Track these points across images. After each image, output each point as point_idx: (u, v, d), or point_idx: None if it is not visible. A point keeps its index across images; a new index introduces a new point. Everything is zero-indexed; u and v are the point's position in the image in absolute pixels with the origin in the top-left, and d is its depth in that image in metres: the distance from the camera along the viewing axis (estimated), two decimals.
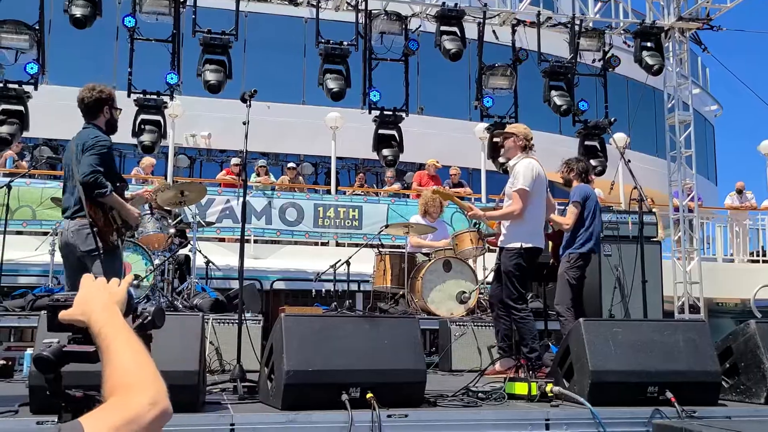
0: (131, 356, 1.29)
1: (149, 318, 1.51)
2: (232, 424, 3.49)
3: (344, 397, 3.60)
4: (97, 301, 1.42)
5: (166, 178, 12.24)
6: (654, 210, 8.10)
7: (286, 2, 10.32)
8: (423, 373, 3.91)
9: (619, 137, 13.35)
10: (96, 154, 4.73)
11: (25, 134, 9.31)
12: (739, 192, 14.72)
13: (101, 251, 4.73)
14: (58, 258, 8.03)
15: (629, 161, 6.53)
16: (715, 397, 4.19)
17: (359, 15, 9.93)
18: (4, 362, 5.93)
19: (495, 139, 6.19)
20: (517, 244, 5.75)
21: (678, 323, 4.84)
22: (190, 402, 3.56)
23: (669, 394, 3.95)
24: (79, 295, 1.45)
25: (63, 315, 1.43)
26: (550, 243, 6.90)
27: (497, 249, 6.08)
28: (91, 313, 1.39)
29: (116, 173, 5.07)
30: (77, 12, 8.63)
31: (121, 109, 5.24)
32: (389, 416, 3.59)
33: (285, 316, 3.82)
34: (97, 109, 4.99)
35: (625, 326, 4.35)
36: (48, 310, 1.47)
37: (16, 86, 8.71)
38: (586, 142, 10.47)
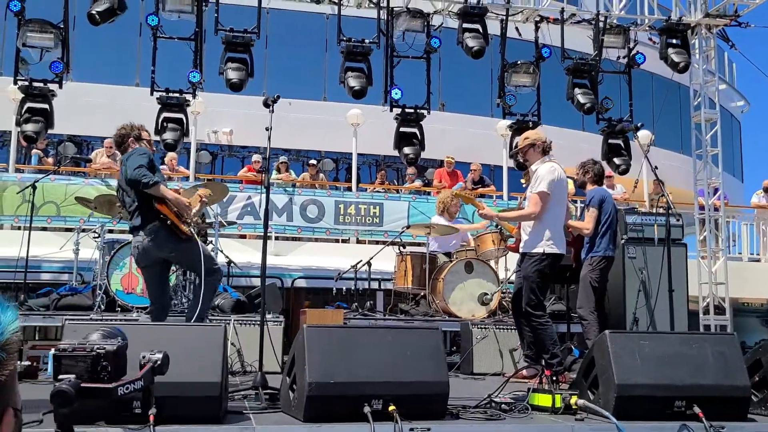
0: None
1: (159, 363, 1.48)
2: None
3: (366, 409, 3.58)
4: None
5: (188, 178, 12.29)
6: (680, 213, 7.98)
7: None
8: (446, 384, 3.87)
9: (644, 135, 13.17)
10: (137, 156, 5.15)
11: (49, 131, 9.38)
12: (766, 190, 14.46)
13: (178, 245, 5.11)
14: (83, 255, 8.16)
15: (656, 168, 6.41)
16: (745, 412, 4.11)
17: (381, 12, 9.87)
18: (29, 363, 6.00)
19: (517, 157, 6.10)
20: (540, 250, 5.68)
21: (707, 336, 4.75)
22: (213, 413, 3.56)
23: (697, 409, 3.88)
24: None
25: None
26: (572, 249, 6.83)
27: (519, 256, 6.01)
28: None
29: (161, 176, 5.36)
30: (93, 9, 8.71)
31: (150, 141, 5.69)
32: (411, 429, 3.56)
33: (307, 327, 3.80)
34: (121, 143, 5.48)
35: (652, 339, 4.28)
36: (54, 360, 1.43)
37: (41, 85, 8.78)
38: (610, 140, 10.34)
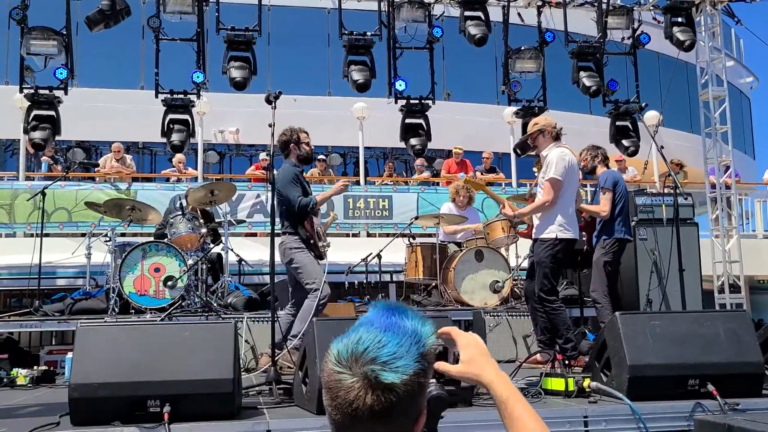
0: (534, 423, 1.43)
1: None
2: (269, 431, 3.51)
3: None
4: (488, 365, 1.48)
5: (196, 179, 12.34)
6: (689, 192, 7.93)
7: None
8: None
9: (652, 115, 13.09)
10: (291, 186, 5.70)
11: (56, 137, 9.43)
12: None
13: (294, 262, 5.71)
14: (95, 260, 8.23)
15: (662, 147, 6.36)
16: (759, 388, 4.08)
17: (382, 4, 9.84)
18: (47, 367, 6.06)
19: (527, 142, 6.06)
20: (553, 235, 5.66)
21: (718, 314, 4.72)
22: (227, 409, 3.59)
23: (710, 387, 3.87)
24: (469, 354, 1.48)
25: (451, 371, 1.46)
26: (584, 233, 6.80)
27: (532, 241, 6.00)
28: (487, 377, 1.47)
29: (306, 185, 5.96)
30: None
31: (309, 143, 6.05)
32: None
33: (316, 320, 3.81)
34: (284, 149, 5.94)
35: (663, 318, 4.26)
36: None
37: (46, 92, 8.82)
38: (618, 122, 10.27)
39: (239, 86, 9.16)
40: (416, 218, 8.84)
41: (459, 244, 8.60)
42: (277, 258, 5.46)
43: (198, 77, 9.12)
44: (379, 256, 8.17)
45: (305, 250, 5.75)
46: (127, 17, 9.10)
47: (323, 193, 6.04)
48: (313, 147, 6.18)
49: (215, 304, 7.21)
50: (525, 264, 7.60)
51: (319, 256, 5.83)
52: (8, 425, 3.64)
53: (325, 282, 5.65)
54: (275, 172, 5.64)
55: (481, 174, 12.96)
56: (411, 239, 8.63)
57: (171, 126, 9.11)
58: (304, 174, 6.16)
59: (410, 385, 1.24)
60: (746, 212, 14.36)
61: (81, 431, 3.38)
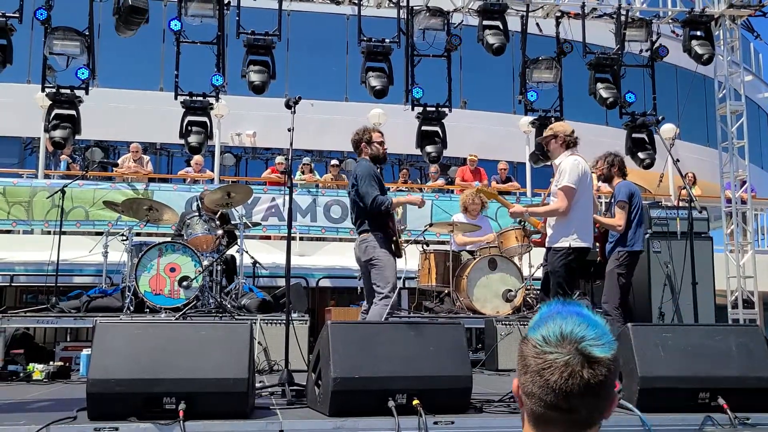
0: None
1: None
2: (281, 431, 3.56)
3: (390, 403, 3.63)
4: None
5: (213, 181, 12.44)
6: (705, 206, 7.90)
7: (328, 0, 10.35)
8: (469, 379, 3.91)
9: (668, 128, 13.06)
10: (366, 182, 5.66)
11: (76, 136, 9.55)
12: None
13: (376, 260, 5.59)
14: (112, 258, 8.32)
15: (677, 160, 6.36)
16: None
17: (401, 11, 9.91)
18: (62, 363, 6.15)
19: (542, 145, 6.08)
20: (566, 244, 5.65)
21: (730, 328, 4.71)
22: (240, 408, 3.64)
23: (721, 401, 3.87)
24: None
25: None
26: (597, 244, 6.78)
27: (545, 250, 6.00)
28: None
29: (383, 186, 5.91)
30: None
31: (382, 142, 6.06)
32: (435, 423, 3.61)
33: (331, 323, 3.86)
34: (356, 147, 6.03)
35: (675, 331, 4.27)
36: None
37: (68, 91, 8.94)
38: (634, 135, 10.25)
39: (258, 90, 9.25)
40: (430, 225, 8.87)
41: (472, 252, 8.62)
42: (353, 260, 5.67)
43: (217, 80, 9.21)
44: None
45: (387, 251, 5.62)
46: (145, 16, 9.17)
47: (400, 197, 5.99)
48: (386, 147, 6.14)
49: (229, 306, 7.28)
50: (538, 273, 7.61)
51: (398, 254, 5.75)
52: (25, 419, 3.71)
53: (397, 287, 5.60)
54: (352, 167, 5.63)
55: (497, 183, 12.98)
56: (424, 246, 8.65)
57: (189, 128, 9.21)
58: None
59: (615, 361, 1.34)
60: (762, 228, 14.28)
61: (98, 425, 3.44)
